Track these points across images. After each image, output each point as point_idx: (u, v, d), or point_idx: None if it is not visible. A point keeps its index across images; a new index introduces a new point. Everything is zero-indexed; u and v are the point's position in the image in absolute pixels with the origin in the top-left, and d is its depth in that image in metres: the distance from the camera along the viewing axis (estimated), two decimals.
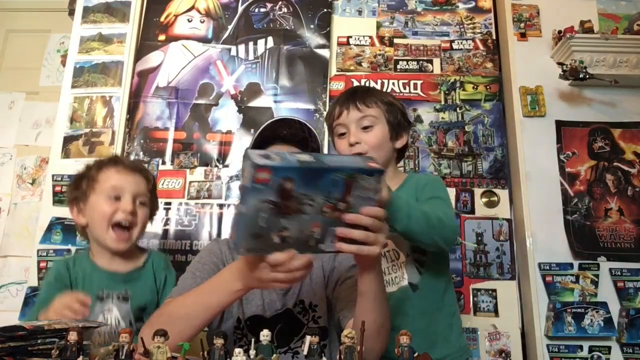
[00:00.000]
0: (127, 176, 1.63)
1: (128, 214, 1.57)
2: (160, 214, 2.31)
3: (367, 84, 2.54)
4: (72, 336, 0.81)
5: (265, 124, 1.51)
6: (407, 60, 2.59)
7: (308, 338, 0.93)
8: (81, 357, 0.80)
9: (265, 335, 0.91)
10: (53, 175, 2.41)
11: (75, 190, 1.67)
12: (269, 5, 2.67)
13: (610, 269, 2.25)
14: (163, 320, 1.24)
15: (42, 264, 2.29)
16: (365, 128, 1.59)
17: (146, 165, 2.41)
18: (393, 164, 1.69)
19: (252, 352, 0.88)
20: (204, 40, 2.62)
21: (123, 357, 0.80)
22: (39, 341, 0.93)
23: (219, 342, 0.85)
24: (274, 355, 0.91)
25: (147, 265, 1.66)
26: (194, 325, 1.20)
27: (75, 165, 2.39)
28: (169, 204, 2.38)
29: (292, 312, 1.49)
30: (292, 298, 1.50)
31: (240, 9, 2.67)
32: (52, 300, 1.38)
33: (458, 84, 2.53)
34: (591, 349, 2.16)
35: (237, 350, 0.84)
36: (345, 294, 1.47)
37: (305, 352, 0.92)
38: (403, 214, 1.30)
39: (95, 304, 1.53)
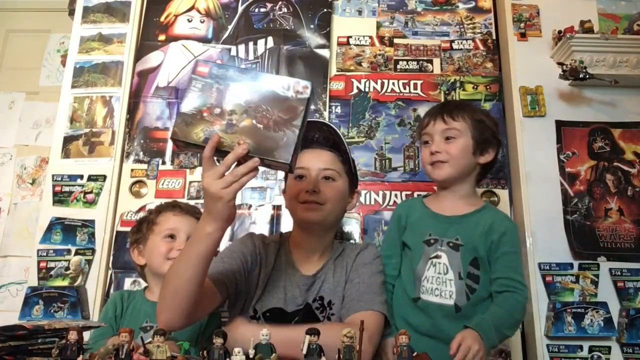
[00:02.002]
0: (183, 218, 1.79)
1: None
2: None
3: (367, 84, 2.54)
4: (72, 335, 0.81)
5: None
6: (407, 60, 2.59)
7: (307, 338, 0.92)
8: (81, 356, 0.80)
9: (264, 334, 0.91)
10: (53, 175, 2.41)
11: (136, 233, 1.84)
12: (269, 5, 2.66)
13: (610, 269, 2.25)
14: (163, 286, 1.29)
15: (42, 264, 2.29)
16: (447, 139, 1.67)
17: (146, 165, 2.42)
18: (472, 180, 1.74)
19: (251, 352, 0.88)
20: (204, 40, 2.62)
21: (123, 356, 0.80)
22: (39, 340, 0.94)
23: (218, 341, 0.85)
24: (273, 354, 0.91)
25: None
26: (186, 282, 1.22)
27: (75, 165, 2.41)
28: None
29: (311, 307, 1.53)
30: (313, 294, 1.53)
31: (240, 9, 2.67)
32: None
33: (458, 84, 2.53)
34: (591, 349, 2.16)
35: (236, 349, 0.84)
36: (351, 291, 1.50)
37: (304, 352, 0.92)
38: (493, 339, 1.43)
39: (139, 334, 1.56)
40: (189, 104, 1.19)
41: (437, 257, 1.62)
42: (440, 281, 1.60)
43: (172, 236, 1.75)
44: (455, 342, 1.35)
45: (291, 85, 1.19)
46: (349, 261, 1.61)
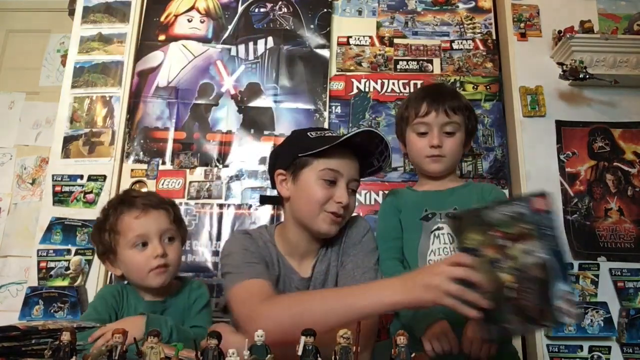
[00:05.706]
0: (147, 218, 1.57)
1: (160, 258, 1.55)
2: None
3: (367, 84, 2.54)
4: (66, 337, 0.80)
5: (352, 133, 1.43)
6: (407, 60, 2.59)
7: (303, 339, 0.92)
8: (74, 357, 0.80)
9: (259, 335, 0.91)
10: (53, 175, 2.41)
11: (100, 243, 1.62)
12: (269, 5, 2.66)
13: (610, 269, 2.25)
14: (299, 309, 1.19)
15: (42, 264, 2.29)
16: (447, 133, 1.63)
17: (146, 165, 2.42)
18: (456, 166, 1.79)
19: (246, 353, 0.88)
20: (204, 40, 2.62)
21: (116, 357, 0.80)
22: (32, 341, 0.94)
23: (212, 342, 0.85)
24: (269, 355, 0.91)
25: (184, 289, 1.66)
26: (329, 322, 1.11)
27: (75, 165, 2.42)
28: None
29: None
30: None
31: (240, 9, 2.67)
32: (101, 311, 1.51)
33: (458, 84, 2.52)
34: (591, 349, 2.15)
35: (230, 351, 0.84)
36: (346, 282, 1.46)
37: (300, 353, 0.91)
38: None
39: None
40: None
41: (438, 229, 1.59)
42: (448, 251, 1.55)
43: (143, 244, 1.56)
44: (467, 340, 1.36)
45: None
46: (340, 239, 1.54)
